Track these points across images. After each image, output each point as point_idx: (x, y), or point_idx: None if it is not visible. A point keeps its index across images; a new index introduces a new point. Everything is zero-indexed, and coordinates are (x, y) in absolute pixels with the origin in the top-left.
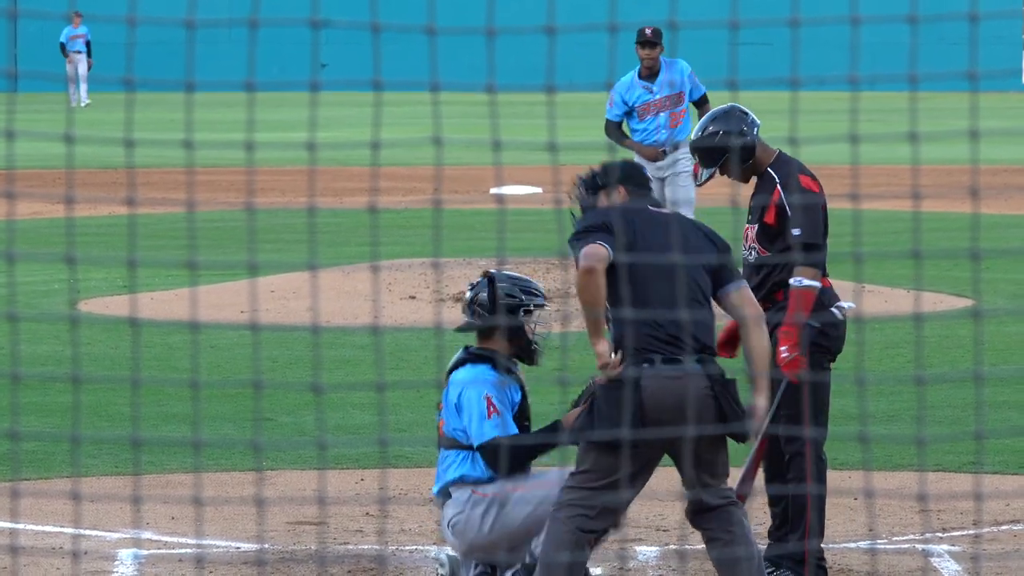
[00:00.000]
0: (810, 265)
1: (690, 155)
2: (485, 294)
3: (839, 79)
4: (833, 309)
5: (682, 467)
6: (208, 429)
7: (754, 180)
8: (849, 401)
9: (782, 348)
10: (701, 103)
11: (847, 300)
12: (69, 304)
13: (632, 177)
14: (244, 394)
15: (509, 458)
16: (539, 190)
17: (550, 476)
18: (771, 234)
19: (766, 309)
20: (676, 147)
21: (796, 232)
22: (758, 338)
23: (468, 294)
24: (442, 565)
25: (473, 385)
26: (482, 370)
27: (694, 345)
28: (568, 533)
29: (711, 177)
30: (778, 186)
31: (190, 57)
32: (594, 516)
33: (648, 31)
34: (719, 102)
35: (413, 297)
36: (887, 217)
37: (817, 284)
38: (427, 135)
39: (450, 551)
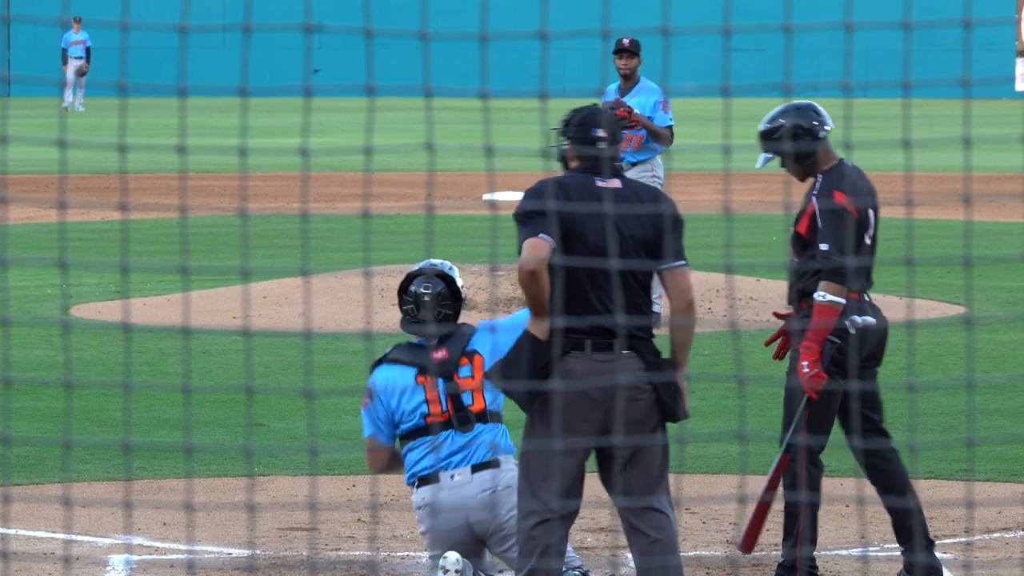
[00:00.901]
0: (834, 281)
1: (647, 177)
2: (447, 289)
3: (832, 85)
4: (846, 322)
5: (611, 465)
6: (200, 435)
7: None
8: None
9: (803, 363)
10: None
11: (871, 314)
12: (61, 309)
13: (582, 137)
14: (236, 400)
15: None
16: None
17: None
18: (802, 242)
19: (797, 313)
20: (632, 165)
21: (824, 247)
22: (677, 326)
23: (428, 289)
24: (456, 560)
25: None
26: None
27: (626, 330)
28: (535, 541)
29: (767, 163)
30: (814, 198)
31: (183, 62)
32: (552, 519)
33: (625, 41)
34: (713, 108)
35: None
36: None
37: (841, 300)
38: (420, 141)
39: (457, 556)
